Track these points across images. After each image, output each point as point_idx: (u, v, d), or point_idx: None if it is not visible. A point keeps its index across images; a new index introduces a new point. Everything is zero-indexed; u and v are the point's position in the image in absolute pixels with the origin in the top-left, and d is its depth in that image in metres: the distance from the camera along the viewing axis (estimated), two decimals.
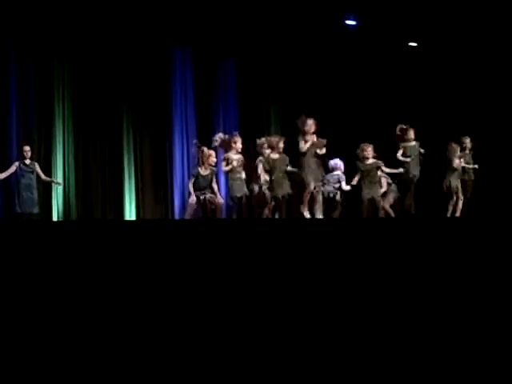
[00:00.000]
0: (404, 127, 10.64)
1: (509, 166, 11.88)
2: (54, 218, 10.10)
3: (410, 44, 12.64)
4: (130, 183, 10.99)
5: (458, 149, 10.90)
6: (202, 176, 9.66)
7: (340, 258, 4.45)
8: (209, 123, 11.90)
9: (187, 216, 9.77)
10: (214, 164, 9.78)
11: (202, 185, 9.64)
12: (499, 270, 4.21)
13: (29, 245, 4.38)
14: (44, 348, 3.19)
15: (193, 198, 9.56)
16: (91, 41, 10.75)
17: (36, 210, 9.46)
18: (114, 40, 10.97)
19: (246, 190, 9.77)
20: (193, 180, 9.70)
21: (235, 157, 9.72)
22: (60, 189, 10.30)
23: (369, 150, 10.15)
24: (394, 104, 12.75)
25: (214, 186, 9.81)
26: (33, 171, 9.51)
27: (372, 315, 3.62)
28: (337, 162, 10.57)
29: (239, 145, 9.81)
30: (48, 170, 10.26)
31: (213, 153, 9.78)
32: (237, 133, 10.26)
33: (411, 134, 10.60)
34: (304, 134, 9.58)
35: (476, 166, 11.05)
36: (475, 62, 12.31)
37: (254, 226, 6.95)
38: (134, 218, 10.81)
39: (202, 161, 9.68)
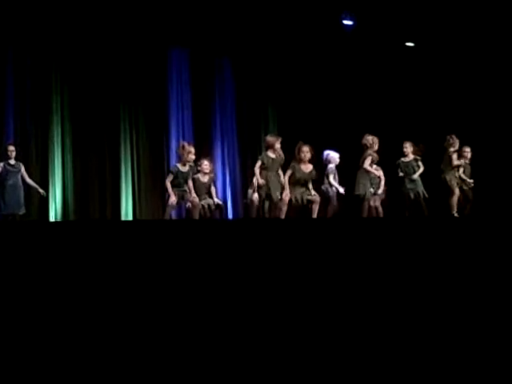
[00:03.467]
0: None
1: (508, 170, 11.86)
2: (52, 218, 10.10)
3: (407, 44, 12.63)
4: (126, 183, 10.98)
5: (457, 143, 10.90)
6: (182, 172, 9.60)
7: (337, 258, 4.47)
8: (206, 124, 11.91)
9: (166, 216, 9.68)
10: (191, 161, 9.71)
11: (181, 182, 9.56)
12: (498, 269, 4.22)
13: (26, 245, 4.39)
14: (42, 349, 3.19)
15: (173, 200, 9.49)
16: (89, 41, 10.74)
17: (22, 211, 9.32)
18: (111, 40, 10.96)
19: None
20: (171, 177, 9.59)
21: None
22: (58, 189, 10.29)
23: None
24: (391, 103, 12.76)
25: (212, 189, 9.94)
26: (18, 171, 9.38)
27: (373, 314, 3.63)
28: (328, 153, 10.49)
29: None
30: (45, 169, 10.26)
31: (192, 149, 9.72)
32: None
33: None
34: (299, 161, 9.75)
35: (471, 182, 11.06)
36: (473, 63, 12.30)
37: (251, 226, 6.96)
38: (130, 217, 10.81)
39: (180, 156, 9.63)
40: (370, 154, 10.31)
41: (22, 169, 9.45)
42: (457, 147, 10.86)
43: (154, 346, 3.25)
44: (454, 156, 10.75)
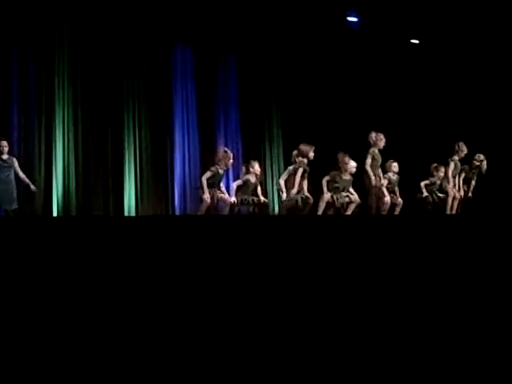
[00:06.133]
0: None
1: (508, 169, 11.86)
2: (54, 214, 10.10)
3: (412, 41, 12.62)
4: (129, 179, 10.98)
5: (463, 151, 11.00)
6: (219, 175, 10.22)
7: (338, 256, 4.46)
8: (210, 121, 11.91)
9: (200, 212, 10.05)
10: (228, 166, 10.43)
11: (215, 183, 10.15)
12: (496, 268, 4.22)
13: (29, 240, 4.39)
14: (43, 346, 3.19)
15: (207, 196, 9.93)
16: (93, 36, 10.73)
17: (14, 206, 9.28)
18: (115, 34, 10.96)
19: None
20: (209, 175, 10.11)
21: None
22: (61, 184, 10.29)
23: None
24: (396, 101, 12.76)
25: (258, 188, 10.49)
26: (10, 166, 9.34)
27: (372, 313, 3.63)
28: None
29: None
30: (49, 165, 10.26)
31: (231, 156, 10.33)
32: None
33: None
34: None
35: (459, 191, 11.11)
36: (479, 60, 12.28)
37: (254, 222, 6.96)
38: (133, 213, 10.81)
39: (219, 160, 10.23)
40: (370, 153, 10.29)
41: (15, 164, 9.43)
42: (462, 155, 10.93)
43: (157, 344, 3.25)
44: (452, 165, 10.83)
